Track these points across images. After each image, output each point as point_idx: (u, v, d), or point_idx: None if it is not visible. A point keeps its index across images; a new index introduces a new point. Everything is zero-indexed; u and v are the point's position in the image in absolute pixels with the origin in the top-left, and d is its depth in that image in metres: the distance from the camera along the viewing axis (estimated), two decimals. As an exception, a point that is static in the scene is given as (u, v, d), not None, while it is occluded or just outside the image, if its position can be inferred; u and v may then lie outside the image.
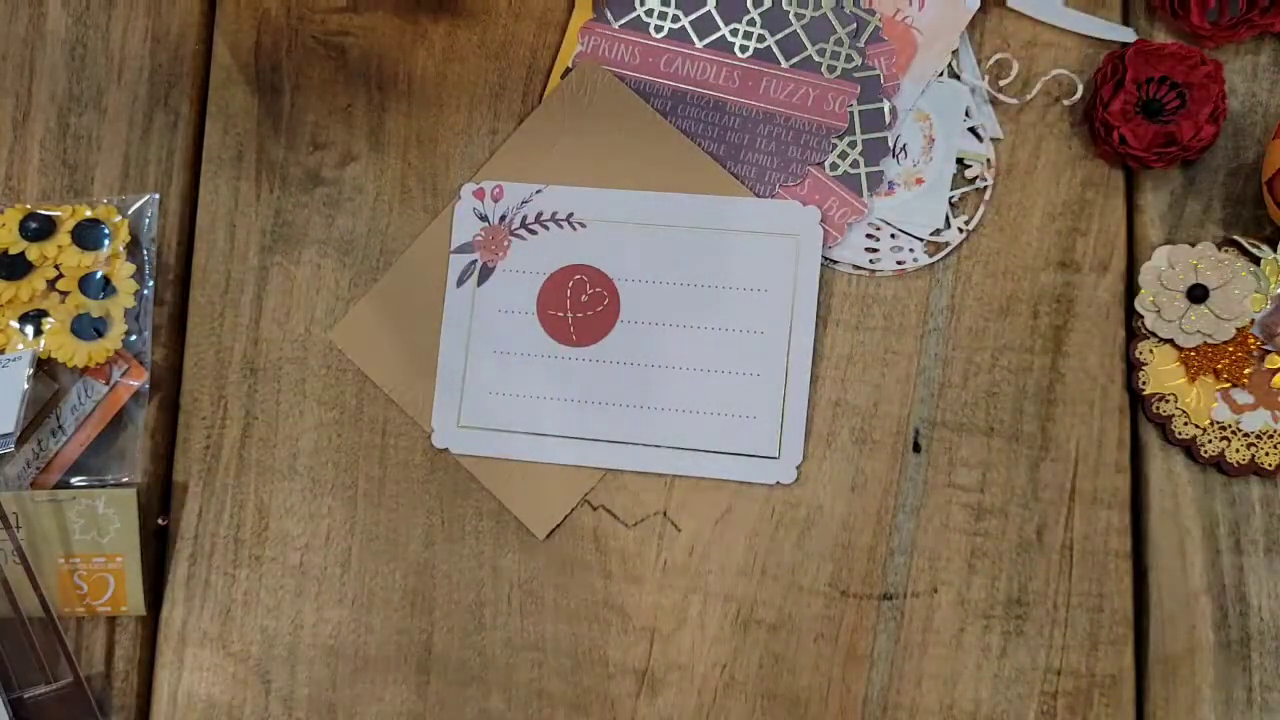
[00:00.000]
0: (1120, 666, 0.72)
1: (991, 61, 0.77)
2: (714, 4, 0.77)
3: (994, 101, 0.76)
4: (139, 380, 0.77)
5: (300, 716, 0.75)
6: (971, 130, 0.76)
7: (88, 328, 0.76)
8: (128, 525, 0.75)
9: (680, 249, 0.76)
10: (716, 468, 0.74)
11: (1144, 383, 0.73)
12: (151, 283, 0.78)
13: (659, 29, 0.77)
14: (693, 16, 0.77)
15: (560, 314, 0.76)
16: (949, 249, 0.75)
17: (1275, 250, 0.72)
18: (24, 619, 0.74)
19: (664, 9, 0.77)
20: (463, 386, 0.76)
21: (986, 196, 0.76)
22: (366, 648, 0.75)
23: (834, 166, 0.76)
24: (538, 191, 0.77)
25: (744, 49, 0.77)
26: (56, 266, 0.77)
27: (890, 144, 0.76)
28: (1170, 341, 0.73)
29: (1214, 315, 0.72)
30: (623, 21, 0.78)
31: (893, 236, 0.76)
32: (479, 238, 0.77)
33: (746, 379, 0.74)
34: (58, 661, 0.74)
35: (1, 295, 0.77)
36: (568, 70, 0.78)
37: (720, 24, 0.77)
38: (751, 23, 0.77)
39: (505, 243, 0.77)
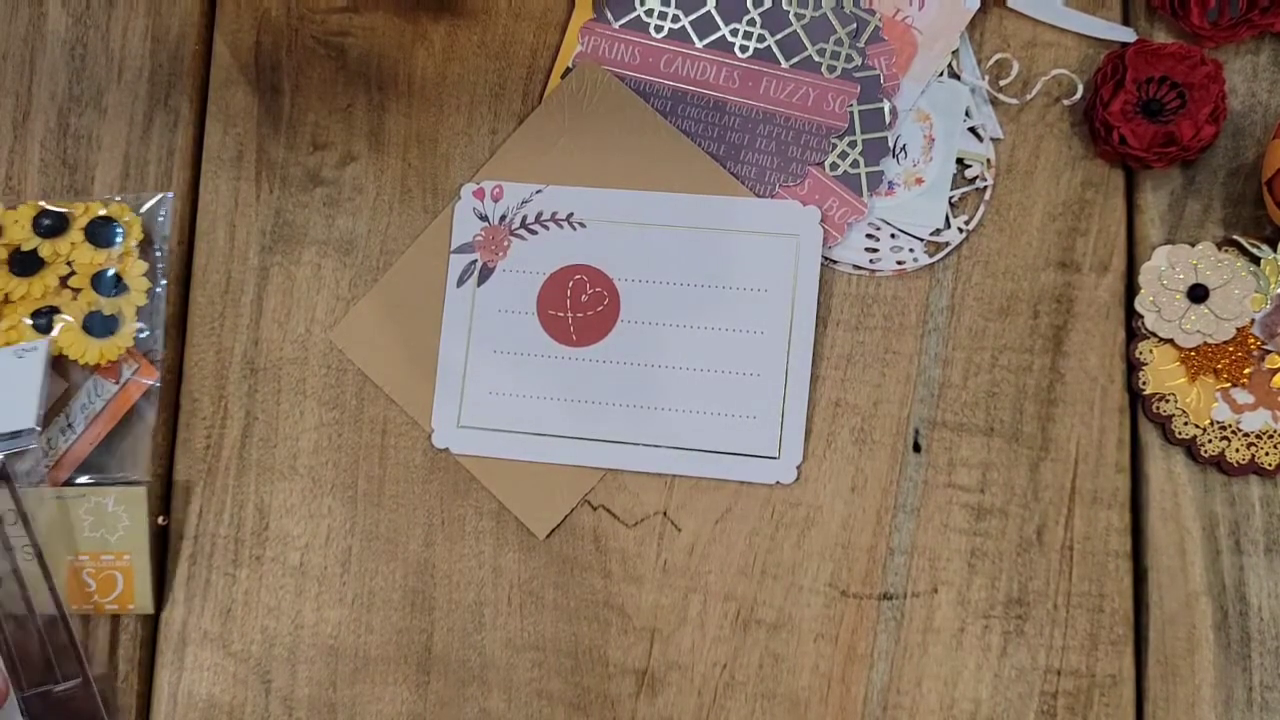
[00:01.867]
0: (1120, 666, 0.72)
1: (991, 61, 0.77)
2: (714, 4, 0.77)
3: (994, 101, 0.76)
4: (150, 379, 0.77)
5: (300, 716, 0.75)
6: (971, 130, 0.76)
7: (100, 325, 0.76)
8: (137, 524, 0.75)
9: (680, 249, 0.76)
10: (716, 468, 0.74)
11: (1144, 383, 0.73)
12: (164, 281, 0.78)
13: (659, 29, 0.77)
14: (693, 16, 0.77)
15: (560, 314, 0.76)
16: (949, 249, 0.75)
17: (1275, 250, 0.72)
18: (36, 616, 0.74)
19: (664, 9, 0.77)
20: (463, 386, 0.76)
21: (986, 196, 0.76)
22: (366, 648, 0.75)
23: (834, 166, 0.76)
24: (538, 191, 0.77)
25: (744, 49, 0.77)
26: (69, 263, 0.77)
27: (890, 144, 0.76)
28: (1170, 341, 0.73)
29: (1214, 315, 0.72)
30: (623, 21, 0.78)
31: (893, 236, 0.76)
32: (479, 238, 0.77)
33: (746, 379, 0.74)
34: (66, 660, 0.74)
35: (14, 292, 0.77)
36: (568, 70, 0.78)
37: (720, 24, 0.77)
38: (751, 23, 0.77)
39: (505, 243, 0.77)
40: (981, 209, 0.76)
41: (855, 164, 0.76)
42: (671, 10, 0.77)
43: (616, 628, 0.74)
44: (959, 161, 0.76)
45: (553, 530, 0.75)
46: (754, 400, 0.74)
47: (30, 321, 0.76)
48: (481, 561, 0.75)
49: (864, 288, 0.76)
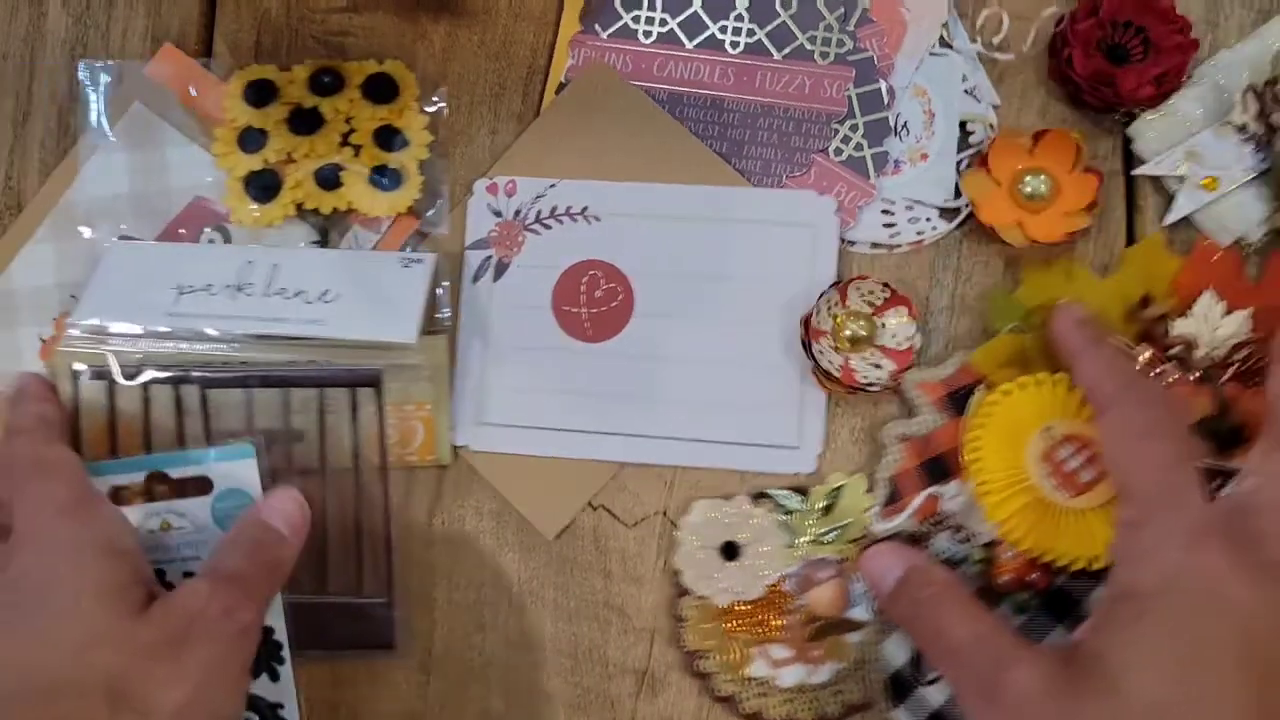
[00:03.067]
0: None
1: (981, 21, 0.76)
2: (700, 3, 0.77)
3: (989, 61, 0.76)
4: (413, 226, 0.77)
5: (301, 716, 0.74)
6: (970, 94, 0.76)
7: (385, 179, 0.76)
8: (438, 371, 0.74)
9: (695, 242, 0.76)
10: (737, 459, 0.74)
11: (685, 640, 0.73)
12: (444, 132, 0.78)
13: (648, 34, 0.78)
14: (680, 18, 0.77)
15: (575, 309, 0.76)
16: (965, 214, 0.75)
17: (805, 502, 0.73)
18: (363, 526, 0.73)
19: (650, 14, 0.78)
20: (481, 383, 0.76)
21: None
22: (366, 648, 0.75)
23: (838, 152, 0.76)
24: (551, 186, 0.77)
25: (735, 45, 0.77)
26: (348, 120, 0.77)
27: (891, 123, 0.76)
28: (708, 598, 0.73)
29: (746, 572, 0.72)
30: (610, 31, 0.78)
31: (909, 208, 0.75)
32: (494, 233, 0.77)
33: (765, 370, 0.74)
34: (375, 575, 0.74)
35: (297, 150, 0.76)
36: (562, 85, 0.78)
37: (709, 23, 0.77)
38: (739, 18, 0.77)
39: (520, 238, 0.77)
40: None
41: (859, 147, 0.76)
42: (659, 15, 0.78)
43: (616, 628, 0.74)
44: (961, 126, 0.76)
45: (561, 531, 0.75)
46: (773, 391, 0.74)
47: (315, 180, 0.76)
48: (482, 561, 0.75)
49: (882, 268, 0.75)
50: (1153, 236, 0.73)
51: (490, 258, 0.77)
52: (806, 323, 0.72)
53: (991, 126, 0.76)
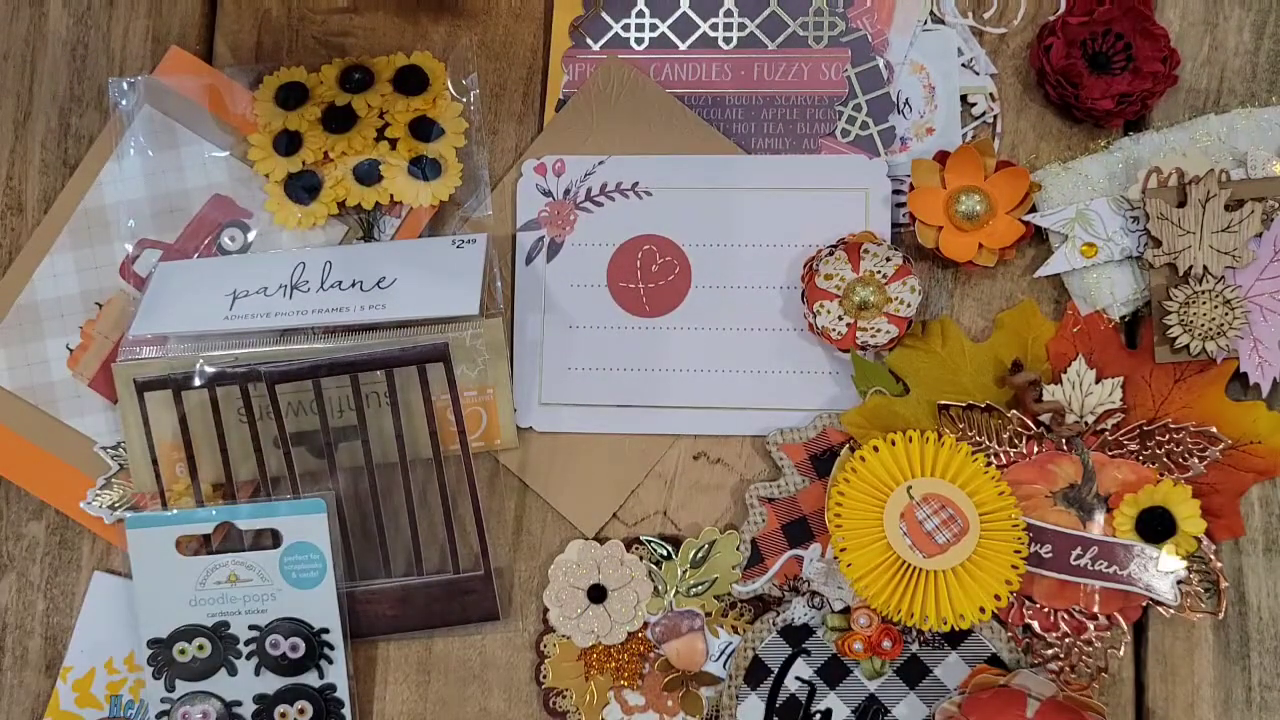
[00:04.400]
0: (1120, 666, 0.72)
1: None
2: (688, 3, 0.77)
3: (980, 34, 0.76)
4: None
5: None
6: (967, 67, 0.76)
7: (424, 169, 0.76)
8: (496, 354, 0.74)
9: (749, 211, 0.76)
10: (803, 423, 0.74)
11: (545, 676, 0.74)
12: (477, 118, 0.78)
13: (639, 40, 0.77)
14: (670, 21, 0.77)
15: (631, 285, 0.76)
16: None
17: (676, 554, 0.73)
18: (449, 502, 0.73)
19: (640, 20, 0.77)
20: (540, 364, 0.76)
21: (998, 129, 0.76)
22: (367, 647, 0.75)
23: (845, 133, 0.76)
24: (600, 163, 0.76)
25: (728, 40, 0.77)
26: (381, 115, 0.77)
27: (894, 99, 0.76)
28: (570, 637, 0.74)
29: (609, 617, 0.73)
30: (602, 42, 0.77)
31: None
32: (544, 214, 0.77)
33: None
34: (466, 551, 0.74)
35: (334, 148, 0.76)
36: (561, 103, 0.77)
37: (699, 21, 0.77)
38: (729, 13, 0.77)
39: (571, 217, 0.76)
40: (997, 142, 0.76)
41: (865, 126, 0.76)
42: (648, 20, 0.77)
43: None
44: (963, 99, 0.76)
45: (601, 527, 0.75)
46: (835, 353, 0.74)
47: (354, 177, 0.76)
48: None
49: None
50: (1026, 302, 0.73)
51: (542, 238, 0.77)
52: (809, 279, 0.72)
53: (992, 96, 0.76)
